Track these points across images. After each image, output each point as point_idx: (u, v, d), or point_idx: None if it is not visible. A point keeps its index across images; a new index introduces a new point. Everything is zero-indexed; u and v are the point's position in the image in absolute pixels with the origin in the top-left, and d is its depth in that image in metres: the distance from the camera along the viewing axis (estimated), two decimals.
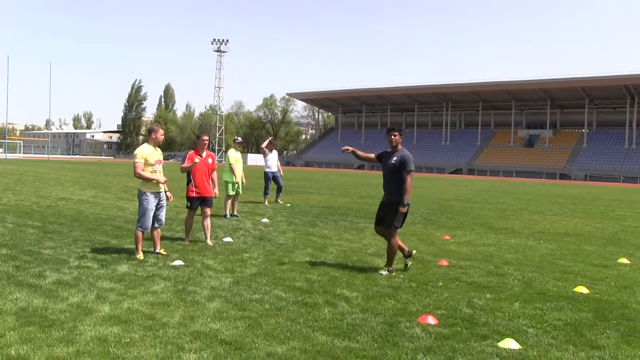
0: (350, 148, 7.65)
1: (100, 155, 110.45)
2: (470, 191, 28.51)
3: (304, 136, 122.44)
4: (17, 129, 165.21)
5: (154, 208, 7.43)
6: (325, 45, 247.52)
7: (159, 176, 7.48)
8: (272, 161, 16.31)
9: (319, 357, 4.07)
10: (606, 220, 15.13)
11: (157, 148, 7.60)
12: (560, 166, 69.98)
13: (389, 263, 7.09)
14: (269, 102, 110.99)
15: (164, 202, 7.63)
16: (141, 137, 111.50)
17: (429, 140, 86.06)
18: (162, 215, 7.65)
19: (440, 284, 6.52)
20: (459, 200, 20.80)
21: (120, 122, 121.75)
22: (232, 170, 12.70)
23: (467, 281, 6.71)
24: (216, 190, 9.21)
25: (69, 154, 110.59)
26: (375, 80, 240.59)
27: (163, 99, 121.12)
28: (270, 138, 16.54)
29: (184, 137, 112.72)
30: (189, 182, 8.72)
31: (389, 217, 7.06)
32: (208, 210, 8.84)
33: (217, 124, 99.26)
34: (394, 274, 6.98)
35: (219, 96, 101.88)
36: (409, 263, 7.29)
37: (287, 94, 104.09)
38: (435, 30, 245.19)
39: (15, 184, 20.82)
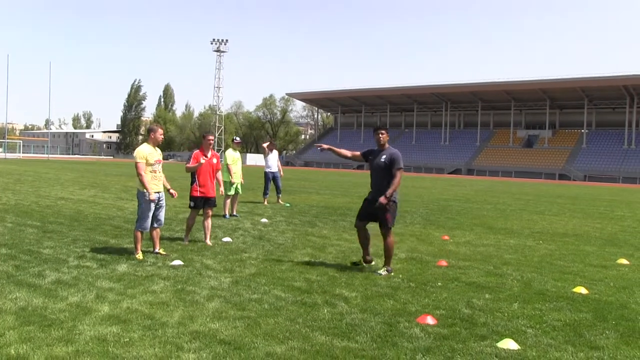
0: (326, 146, 7.73)
1: (99, 155, 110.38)
2: (469, 191, 28.53)
3: (303, 136, 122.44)
4: (17, 129, 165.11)
5: (154, 208, 7.43)
6: (324, 46, 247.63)
7: (158, 186, 7.45)
8: (272, 161, 16.31)
9: (318, 357, 4.07)
10: (605, 220, 15.15)
11: (156, 148, 7.59)
12: (559, 166, 70.03)
13: (387, 263, 7.12)
14: (268, 102, 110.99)
15: (163, 202, 7.63)
16: (140, 137, 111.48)
17: (428, 140, 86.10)
18: (162, 215, 7.65)
19: (439, 284, 6.52)
20: (458, 201, 20.81)
21: (119, 122, 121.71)
22: (228, 171, 12.72)
23: (466, 281, 6.71)
24: (222, 189, 9.20)
25: (69, 154, 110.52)
26: (375, 80, 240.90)
27: (162, 99, 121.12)
28: (271, 140, 16.60)
29: (183, 137, 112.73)
30: (192, 182, 8.72)
31: (382, 215, 7.08)
32: (210, 211, 8.84)
33: (217, 124, 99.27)
34: (392, 273, 6.99)
35: (218, 96, 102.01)
36: (362, 265, 7.30)
37: (286, 94, 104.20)
38: (434, 30, 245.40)
39: (14, 183, 20.81)
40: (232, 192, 12.60)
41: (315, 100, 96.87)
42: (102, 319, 4.69)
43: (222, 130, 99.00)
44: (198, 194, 8.63)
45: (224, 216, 12.23)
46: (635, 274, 7.64)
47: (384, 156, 7.16)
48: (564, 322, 5.13)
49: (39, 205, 13.20)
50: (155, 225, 7.59)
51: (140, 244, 7.43)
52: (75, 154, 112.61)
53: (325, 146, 7.77)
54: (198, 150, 8.77)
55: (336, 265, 7.41)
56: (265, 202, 15.89)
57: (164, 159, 7.81)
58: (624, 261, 8.51)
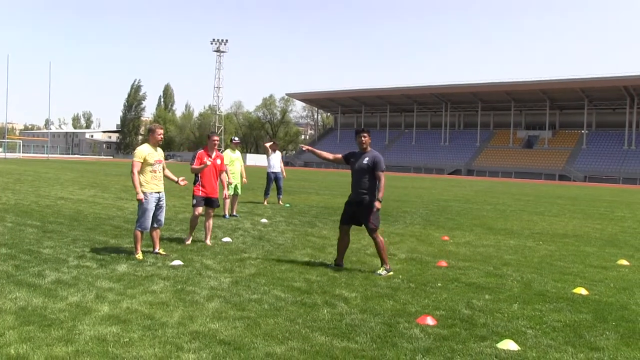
0: (309, 147, 7.85)
1: (99, 155, 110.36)
2: (469, 192, 28.53)
3: (303, 136, 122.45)
4: (17, 129, 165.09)
5: (154, 208, 7.43)
6: (324, 46, 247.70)
7: (158, 186, 7.46)
8: (275, 162, 16.30)
9: (317, 357, 4.06)
10: (605, 221, 15.15)
11: (157, 148, 7.59)
12: (559, 167, 70.04)
13: (384, 262, 7.13)
14: (268, 103, 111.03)
15: (163, 203, 7.62)
16: (140, 137, 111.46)
17: (428, 140, 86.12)
18: (162, 215, 7.65)
19: (439, 284, 6.52)
20: (458, 201, 20.81)
21: (119, 122, 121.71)
22: (226, 171, 12.70)
23: (466, 282, 6.71)
24: (225, 192, 9.21)
25: (68, 154, 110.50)
26: (375, 81, 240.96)
27: (162, 99, 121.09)
28: (274, 140, 16.60)
29: (183, 137, 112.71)
30: (195, 182, 8.72)
31: (365, 217, 7.17)
32: (212, 211, 8.85)
33: (216, 124, 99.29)
34: (391, 272, 7.00)
35: (218, 96, 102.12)
36: (333, 264, 7.32)
37: (286, 94, 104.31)
38: (434, 30, 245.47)
39: (14, 183, 20.81)
40: (230, 192, 12.58)
41: (315, 100, 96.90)
42: (102, 319, 4.69)
43: (222, 131, 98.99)
44: (200, 194, 8.63)
45: (224, 216, 12.23)
46: (635, 275, 7.64)
47: (366, 158, 7.25)
48: (564, 323, 5.13)
49: (39, 205, 13.19)
50: (155, 225, 7.59)
51: (140, 244, 7.42)
52: (75, 154, 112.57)
53: (306, 147, 7.90)
54: (202, 150, 8.76)
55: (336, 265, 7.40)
56: (265, 203, 15.88)
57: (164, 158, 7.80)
58: (624, 262, 8.51)
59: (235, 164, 12.98)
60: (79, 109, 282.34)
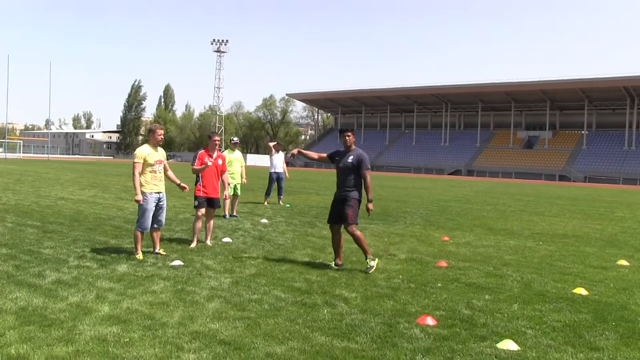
0: (295, 150, 7.97)
1: (99, 155, 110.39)
2: (469, 192, 28.54)
3: (303, 137, 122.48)
4: (17, 129, 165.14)
5: (154, 208, 7.44)
6: (324, 46, 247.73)
7: (158, 186, 7.46)
8: (278, 162, 16.30)
9: (318, 357, 4.07)
10: (605, 221, 15.15)
11: (158, 148, 7.60)
12: (559, 167, 70.03)
13: (367, 252, 7.21)
14: (268, 103, 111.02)
15: (163, 203, 7.63)
16: (140, 137, 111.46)
17: (428, 141, 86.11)
18: (162, 216, 7.65)
19: (439, 285, 6.53)
20: (458, 201, 20.82)
21: (119, 122, 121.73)
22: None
23: (466, 282, 6.72)
24: (226, 192, 9.22)
25: (69, 154, 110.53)
26: (375, 81, 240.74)
27: (163, 99, 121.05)
28: (278, 140, 16.59)
29: (183, 138, 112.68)
30: (197, 182, 8.71)
31: (344, 212, 7.23)
32: (212, 212, 8.84)
33: (217, 125, 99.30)
34: (376, 260, 7.13)
35: (218, 96, 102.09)
36: (333, 266, 7.30)
37: (286, 94, 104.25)
38: (434, 30, 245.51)
39: (14, 183, 20.82)
40: (230, 192, 12.58)
41: (316, 100, 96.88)
42: (102, 319, 4.70)
43: (222, 131, 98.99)
44: (201, 194, 8.62)
45: (224, 217, 12.23)
46: (635, 275, 7.64)
47: (351, 157, 7.33)
48: (563, 323, 5.14)
49: (39, 205, 13.20)
50: (156, 226, 7.59)
51: (140, 244, 7.43)
52: (75, 154, 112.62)
53: (294, 151, 8.00)
54: (203, 151, 8.76)
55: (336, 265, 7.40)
56: (266, 203, 15.88)
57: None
58: (624, 262, 8.51)
59: (234, 165, 12.95)
60: (80, 109, 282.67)
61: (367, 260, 7.16)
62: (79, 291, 5.55)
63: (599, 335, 4.82)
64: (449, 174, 73.55)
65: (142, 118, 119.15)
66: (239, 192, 13.06)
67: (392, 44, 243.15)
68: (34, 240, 8.42)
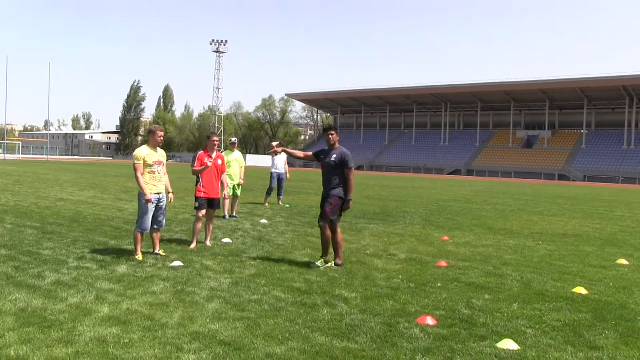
0: (280, 149, 8.14)
1: (99, 156, 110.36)
2: (469, 192, 28.54)
3: (303, 137, 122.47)
4: (16, 130, 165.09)
5: (153, 209, 7.43)
6: (324, 46, 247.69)
7: (157, 187, 7.46)
8: (279, 162, 16.29)
9: (318, 357, 4.07)
10: (605, 221, 15.15)
11: (157, 149, 7.59)
12: (559, 167, 70.07)
13: (338, 256, 7.33)
14: (267, 103, 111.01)
15: (163, 205, 7.62)
16: (140, 138, 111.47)
17: (427, 141, 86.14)
18: (162, 217, 7.64)
19: (439, 284, 6.53)
20: (458, 201, 20.82)
21: (119, 123, 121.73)
22: None
23: (466, 282, 6.72)
24: (225, 192, 9.23)
25: (68, 155, 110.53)
26: (374, 81, 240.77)
27: (162, 100, 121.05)
28: (280, 141, 16.57)
29: (182, 138, 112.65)
30: (197, 183, 8.70)
31: (323, 207, 7.39)
32: (213, 212, 8.83)
33: (216, 125, 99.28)
34: (327, 265, 7.20)
35: (217, 97, 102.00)
36: (326, 261, 7.35)
37: (286, 94, 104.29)
38: (434, 30, 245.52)
39: (14, 184, 20.81)
40: (230, 192, 12.56)
41: (315, 101, 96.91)
42: (102, 320, 4.70)
43: (221, 131, 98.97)
44: (202, 195, 8.60)
45: (224, 217, 12.22)
46: (634, 274, 7.64)
47: (334, 156, 7.41)
48: (563, 323, 5.14)
49: (39, 207, 13.20)
50: (156, 227, 7.58)
51: (140, 245, 7.43)
52: (74, 155, 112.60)
53: (279, 149, 8.16)
54: (202, 152, 8.75)
55: (336, 266, 7.40)
56: (266, 204, 15.86)
57: None
58: (623, 261, 8.52)
59: (233, 165, 12.91)
60: (79, 110, 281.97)
61: (321, 260, 7.32)
62: (78, 292, 5.55)
63: (599, 335, 4.82)
64: (448, 174, 73.58)
65: (141, 119, 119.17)
66: (238, 192, 13.05)
67: (391, 44, 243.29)
68: (34, 241, 8.42)
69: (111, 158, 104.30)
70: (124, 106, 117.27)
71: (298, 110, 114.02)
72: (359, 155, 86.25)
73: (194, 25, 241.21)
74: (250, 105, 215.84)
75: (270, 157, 16.62)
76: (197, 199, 8.63)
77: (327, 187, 7.47)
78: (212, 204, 8.73)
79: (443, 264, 7.77)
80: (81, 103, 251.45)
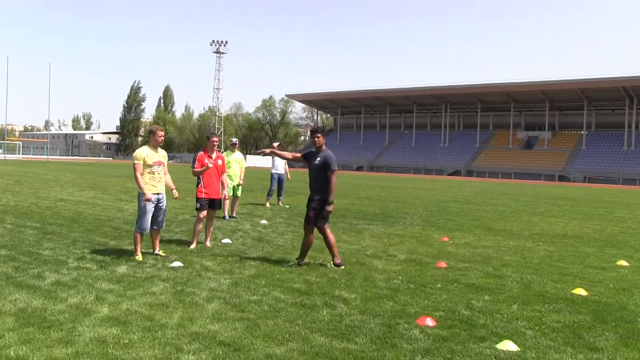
0: (268, 150, 8.16)
1: (99, 157, 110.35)
2: (468, 193, 28.54)
3: (302, 137, 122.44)
4: (16, 130, 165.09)
5: (153, 209, 7.43)
6: (324, 47, 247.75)
7: (157, 187, 7.46)
8: (279, 163, 16.29)
9: (317, 358, 4.07)
10: (605, 222, 15.15)
11: (158, 149, 7.59)
12: (559, 168, 70.06)
13: (335, 256, 7.36)
14: (267, 104, 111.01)
15: (163, 205, 7.62)
16: (140, 139, 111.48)
17: (427, 141, 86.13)
18: (162, 217, 7.64)
19: (438, 285, 6.53)
20: (458, 202, 20.82)
21: (119, 123, 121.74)
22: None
23: (465, 283, 6.72)
24: (225, 192, 9.25)
25: (68, 155, 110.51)
26: (374, 82, 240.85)
27: (162, 100, 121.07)
28: (280, 142, 16.57)
29: (182, 139, 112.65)
30: (198, 184, 8.70)
31: (308, 212, 7.40)
32: (213, 213, 8.83)
33: (216, 125, 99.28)
34: (343, 267, 7.23)
35: (217, 97, 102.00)
36: (295, 262, 7.42)
37: (286, 95, 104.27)
38: (434, 31, 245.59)
39: (14, 184, 20.81)
40: (230, 193, 12.55)
41: (315, 101, 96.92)
42: (102, 321, 4.70)
43: (221, 132, 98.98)
44: (203, 196, 8.60)
45: (224, 218, 12.22)
46: (634, 275, 7.64)
47: (318, 158, 7.44)
48: (563, 324, 5.14)
49: (39, 207, 13.20)
50: (155, 227, 7.59)
51: (139, 246, 7.43)
52: (74, 155, 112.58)
53: (267, 150, 8.17)
54: (202, 152, 8.75)
55: (335, 267, 7.40)
56: (267, 204, 15.84)
57: None
58: (623, 263, 8.51)
59: (233, 166, 12.91)
60: (79, 110, 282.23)
61: (296, 260, 7.40)
62: (78, 292, 5.55)
63: (599, 336, 4.82)
64: (448, 175, 73.57)
65: (141, 119, 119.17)
66: (238, 193, 13.05)
67: (391, 45, 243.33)
68: (34, 241, 8.42)
69: (111, 158, 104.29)
70: (124, 106, 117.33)
71: (298, 110, 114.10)
72: (358, 155, 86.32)
73: (194, 26, 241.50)
74: (250, 106, 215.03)
75: (267, 157, 16.64)
76: (198, 199, 8.62)
77: (312, 189, 7.50)
78: (213, 204, 8.72)
79: (443, 264, 7.77)
80: (81, 103, 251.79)
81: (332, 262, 7.41)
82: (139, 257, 7.31)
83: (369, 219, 13.51)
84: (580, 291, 6.40)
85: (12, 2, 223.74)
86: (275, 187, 16.18)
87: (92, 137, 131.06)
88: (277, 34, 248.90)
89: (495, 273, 7.38)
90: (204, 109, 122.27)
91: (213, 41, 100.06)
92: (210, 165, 8.49)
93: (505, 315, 5.36)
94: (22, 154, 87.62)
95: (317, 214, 7.35)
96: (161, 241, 8.18)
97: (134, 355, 3.98)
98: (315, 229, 7.41)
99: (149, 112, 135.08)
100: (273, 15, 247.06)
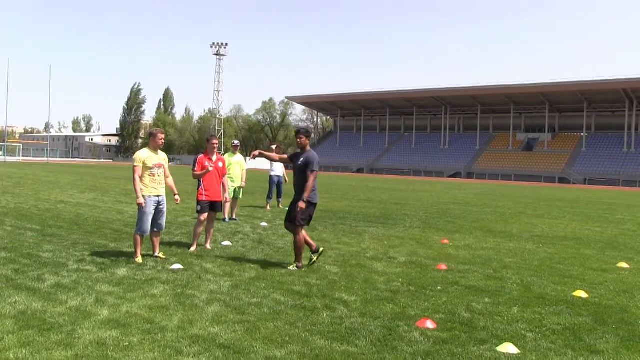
0: (256, 152, 8.23)
1: (99, 159, 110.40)
2: (469, 195, 28.54)
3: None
4: (17, 132, 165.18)
5: (153, 212, 7.43)
6: (324, 49, 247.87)
7: (157, 189, 7.46)
8: (277, 165, 16.27)
9: None
10: (605, 224, 15.15)
11: (158, 152, 7.59)
12: (559, 170, 70.06)
13: (298, 259, 7.37)
14: (268, 106, 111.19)
15: (163, 207, 7.61)
16: (140, 141, 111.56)
17: (427, 143, 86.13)
18: (162, 220, 7.64)
19: (439, 288, 6.52)
20: (458, 204, 20.82)
21: (119, 126, 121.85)
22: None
23: (465, 285, 6.71)
24: (226, 195, 9.23)
25: (68, 157, 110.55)
26: (374, 84, 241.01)
27: (162, 103, 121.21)
28: (279, 144, 16.56)
29: (183, 141, 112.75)
30: (199, 186, 8.69)
31: (292, 213, 7.43)
32: (214, 215, 8.82)
33: (216, 128, 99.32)
34: (304, 269, 7.21)
35: (218, 100, 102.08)
36: (314, 258, 7.54)
37: (286, 97, 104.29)
38: (433, 33, 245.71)
39: (14, 187, 20.81)
40: (231, 195, 12.57)
41: (315, 103, 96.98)
42: (102, 323, 4.69)
43: (221, 134, 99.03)
44: (204, 198, 8.59)
45: (224, 220, 12.21)
46: (635, 277, 7.63)
47: (301, 159, 7.51)
48: (563, 326, 5.13)
49: (39, 209, 13.19)
50: (156, 230, 7.58)
51: (139, 248, 7.43)
52: (74, 158, 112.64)
53: (256, 153, 8.25)
54: (202, 155, 8.75)
55: (336, 269, 7.40)
56: (268, 207, 15.83)
57: None
58: (624, 265, 8.50)
59: (234, 168, 12.93)
60: (79, 112, 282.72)
61: (294, 263, 7.39)
62: (78, 295, 5.55)
63: (600, 339, 4.81)
64: (448, 177, 73.59)
65: (141, 121, 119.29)
66: (239, 195, 13.05)
67: (391, 46, 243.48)
68: (34, 243, 8.41)
69: (111, 160, 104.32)
70: (124, 109, 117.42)
71: (298, 112, 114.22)
72: (359, 158, 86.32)
73: (194, 28, 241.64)
74: (251, 108, 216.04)
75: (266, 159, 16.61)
76: (199, 202, 8.61)
77: (297, 190, 7.52)
78: (214, 206, 8.72)
79: (443, 267, 7.76)
80: (81, 105, 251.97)
81: (295, 264, 7.42)
82: (139, 259, 7.31)
83: (369, 221, 13.51)
84: (581, 293, 6.39)
85: (13, 5, 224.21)
86: (274, 189, 16.17)
87: (92, 140, 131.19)
88: (277, 35, 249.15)
89: (495, 275, 7.38)
90: (204, 111, 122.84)
91: (213, 43, 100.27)
92: (210, 168, 8.49)
93: (506, 318, 5.35)
94: (23, 156, 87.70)
95: (304, 213, 7.39)
96: (161, 243, 8.17)
97: (134, 357, 3.97)
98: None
99: (149, 114, 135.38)
100: (273, 17, 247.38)
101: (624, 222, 15.82)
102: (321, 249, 7.67)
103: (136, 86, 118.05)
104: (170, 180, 7.73)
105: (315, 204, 7.56)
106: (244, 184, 13.26)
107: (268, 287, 6.22)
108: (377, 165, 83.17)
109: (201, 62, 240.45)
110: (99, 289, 5.83)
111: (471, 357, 4.26)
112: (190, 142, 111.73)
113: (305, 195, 7.27)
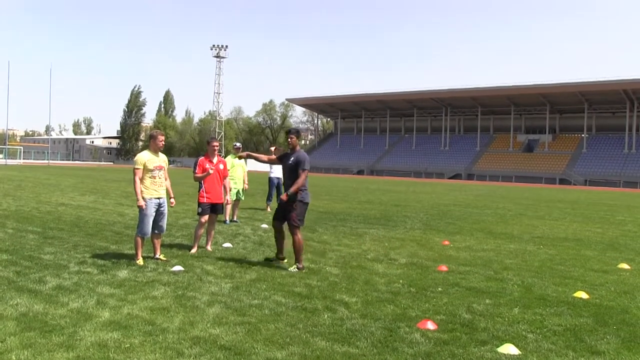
0: (245, 153, 8.32)
1: (99, 161, 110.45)
2: (469, 196, 28.53)
3: (303, 141, 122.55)
4: (17, 135, 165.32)
5: (153, 214, 7.44)
6: (324, 51, 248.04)
7: (158, 191, 7.47)
8: (277, 167, 16.25)
9: None
10: (606, 225, 15.14)
11: (159, 154, 7.61)
12: (559, 171, 70.05)
13: (297, 260, 7.41)
14: (268, 108, 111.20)
15: (164, 209, 7.62)
16: (140, 143, 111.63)
17: (428, 145, 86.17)
18: (163, 222, 7.65)
19: (439, 289, 6.52)
20: (458, 206, 20.82)
21: (119, 128, 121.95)
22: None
23: (466, 286, 6.72)
24: (227, 197, 9.25)
25: (69, 160, 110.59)
26: (375, 85, 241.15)
27: (163, 105, 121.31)
28: (277, 146, 16.56)
29: (183, 143, 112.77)
30: (200, 188, 8.70)
31: (288, 213, 7.44)
32: (215, 217, 8.83)
33: (217, 130, 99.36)
34: (304, 270, 7.23)
35: (218, 102, 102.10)
36: (273, 259, 7.70)
37: (286, 99, 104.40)
38: (434, 34, 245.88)
39: (15, 189, 20.82)
40: (232, 197, 12.59)
41: (315, 105, 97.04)
42: (103, 325, 4.70)
43: (222, 136, 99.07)
44: (205, 200, 8.60)
45: (225, 222, 12.22)
46: (636, 278, 7.63)
47: (292, 158, 7.53)
48: (564, 327, 5.13)
49: (40, 211, 13.21)
50: (156, 232, 7.59)
51: (140, 250, 7.43)
52: (75, 160, 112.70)
53: (244, 154, 8.34)
54: (203, 157, 8.76)
55: (336, 270, 7.41)
56: (268, 209, 15.82)
57: None
58: (624, 266, 8.51)
59: (237, 170, 12.96)
60: (80, 115, 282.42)
61: (294, 264, 7.41)
62: (79, 297, 5.55)
63: (600, 339, 4.81)
64: (449, 178, 73.59)
65: (142, 124, 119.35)
66: (241, 197, 13.06)
67: (391, 47, 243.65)
68: (35, 246, 8.42)
69: (112, 163, 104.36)
70: (124, 111, 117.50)
71: (298, 114, 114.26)
72: (359, 159, 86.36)
73: (195, 30, 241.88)
74: (251, 110, 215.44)
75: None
76: (200, 204, 8.62)
77: (287, 189, 7.54)
78: (215, 208, 8.72)
79: (443, 268, 7.77)
80: (82, 108, 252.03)
81: (276, 255, 7.58)
82: (140, 261, 7.32)
83: (370, 222, 13.51)
84: (582, 294, 6.39)
85: (13, 7, 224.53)
86: (274, 191, 16.16)
87: (92, 142, 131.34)
88: (277, 37, 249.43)
89: (496, 276, 7.38)
90: (205, 113, 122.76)
91: (213, 45, 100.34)
92: (211, 171, 8.50)
93: (507, 319, 5.36)
94: (23, 158, 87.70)
95: (299, 214, 7.42)
96: (162, 245, 8.18)
97: (135, 359, 3.98)
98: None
99: (149, 116, 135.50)
100: (273, 18, 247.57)
101: (624, 223, 15.82)
102: (285, 262, 7.69)
103: (136, 89, 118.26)
104: (168, 183, 7.73)
105: (307, 204, 7.56)
106: (246, 185, 13.27)
107: (269, 288, 6.23)
108: (378, 167, 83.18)
109: (201, 64, 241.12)
110: (100, 290, 5.84)
111: (472, 358, 4.27)
112: (191, 145, 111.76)
113: (293, 189, 7.29)
